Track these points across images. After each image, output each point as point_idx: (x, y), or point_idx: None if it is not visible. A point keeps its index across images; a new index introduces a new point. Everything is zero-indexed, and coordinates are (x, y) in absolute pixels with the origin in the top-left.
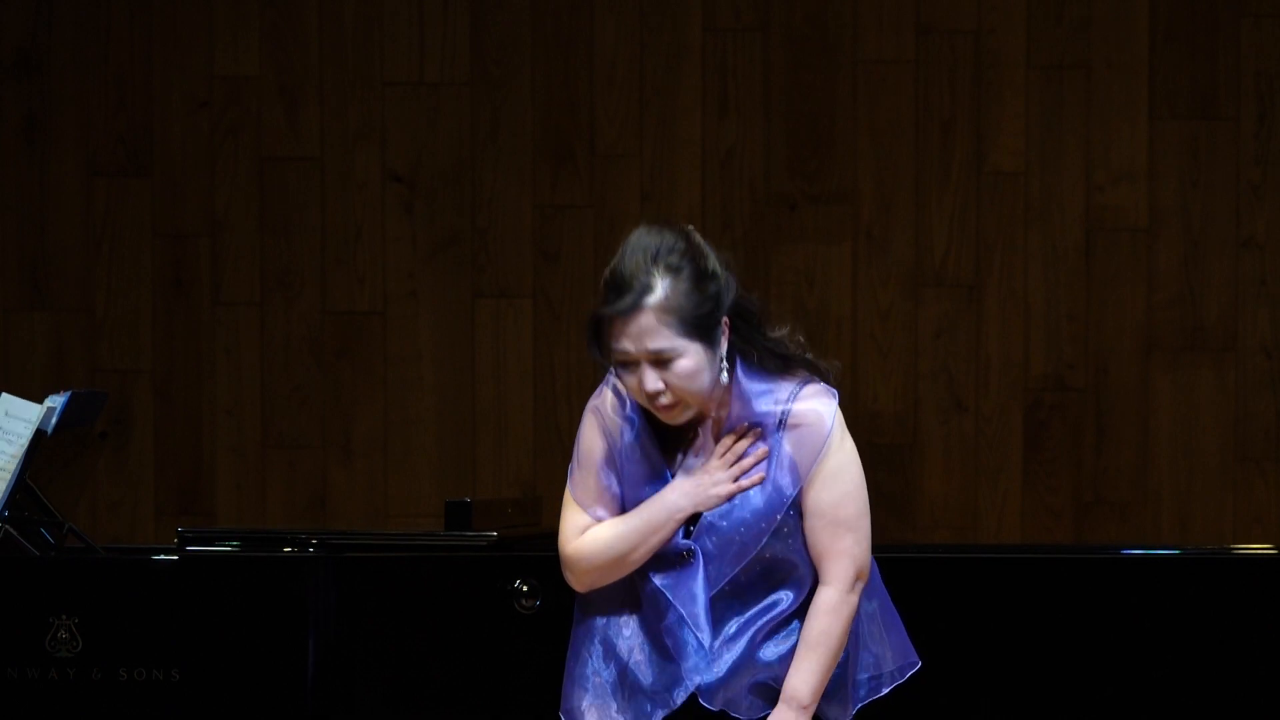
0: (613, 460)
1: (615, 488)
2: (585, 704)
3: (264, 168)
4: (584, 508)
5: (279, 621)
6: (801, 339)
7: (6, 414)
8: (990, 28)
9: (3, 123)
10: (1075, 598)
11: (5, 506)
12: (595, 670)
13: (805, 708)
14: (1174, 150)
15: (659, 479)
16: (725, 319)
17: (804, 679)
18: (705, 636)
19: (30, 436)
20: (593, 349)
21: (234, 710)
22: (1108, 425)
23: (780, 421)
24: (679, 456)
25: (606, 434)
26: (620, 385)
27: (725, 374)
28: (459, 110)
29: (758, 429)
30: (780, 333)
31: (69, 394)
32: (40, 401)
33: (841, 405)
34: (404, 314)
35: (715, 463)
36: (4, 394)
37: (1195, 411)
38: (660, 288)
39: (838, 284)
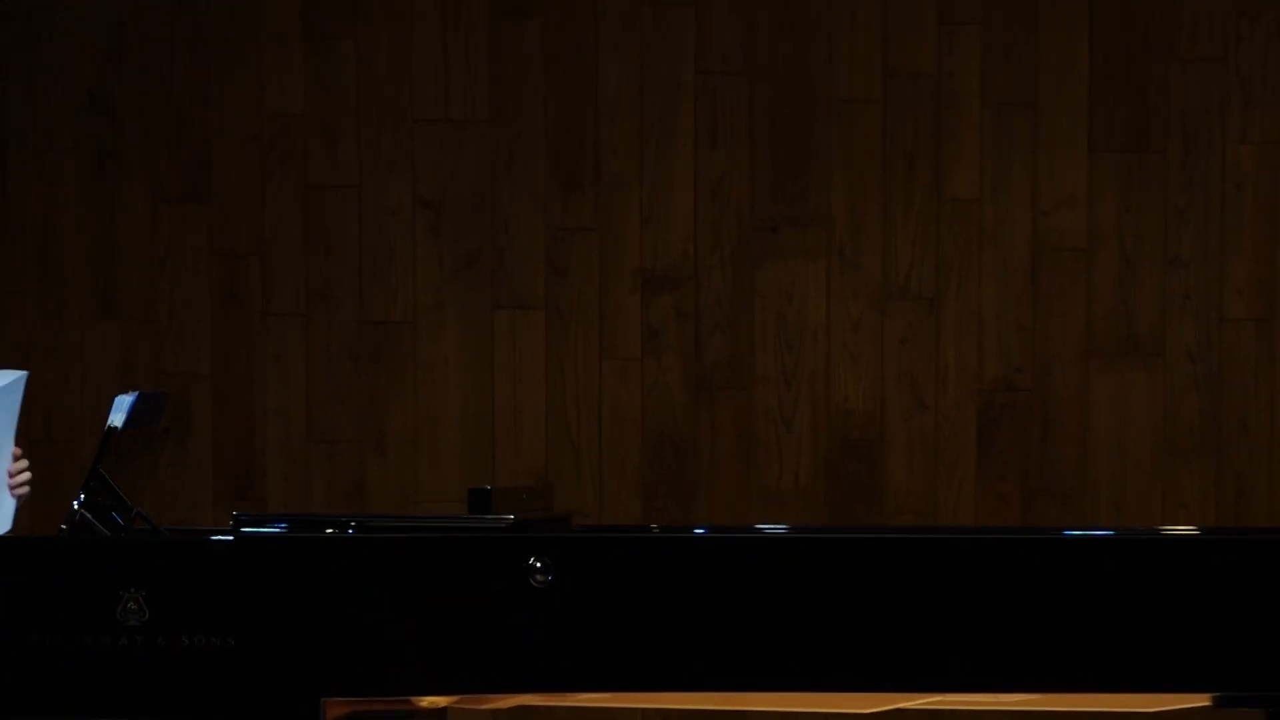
0: None
1: None
2: None
3: (307, 194)
4: None
5: (322, 593)
6: None
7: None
8: (948, 71)
9: (78, 155)
10: (1023, 573)
11: (80, 493)
12: None
13: None
14: (1110, 179)
15: None
16: None
17: None
18: None
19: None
20: None
21: (283, 673)
22: (1051, 423)
23: None
24: None
25: None
26: None
27: None
28: (480, 143)
29: None
30: None
31: (136, 394)
32: (110, 404)
33: (817, 404)
34: (431, 324)
35: None
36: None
37: (1128, 411)
38: None
39: (814, 298)
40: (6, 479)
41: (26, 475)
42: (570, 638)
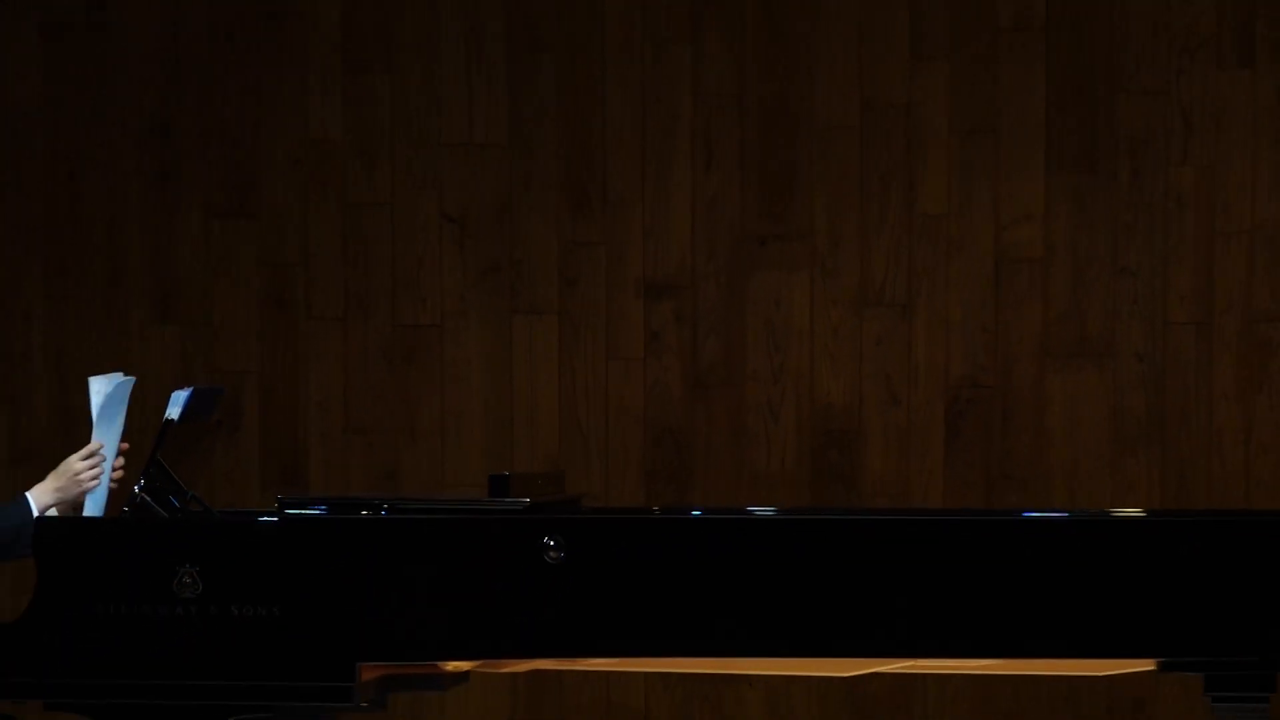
0: None
1: None
2: None
3: (345, 211)
4: None
5: (357, 568)
6: None
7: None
8: (919, 101)
9: (142, 175)
10: (986, 551)
11: (141, 479)
12: None
13: None
14: (1065, 197)
15: None
16: None
17: None
18: None
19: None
20: None
21: (322, 639)
22: (1011, 416)
23: None
24: None
25: None
26: None
27: None
28: (499, 166)
29: None
30: None
31: (191, 390)
32: (168, 399)
33: (801, 400)
34: (456, 328)
35: None
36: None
37: (1081, 405)
38: None
39: (799, 305)
40: (111, 471)
41: (121, 474)
42: (580, 609)
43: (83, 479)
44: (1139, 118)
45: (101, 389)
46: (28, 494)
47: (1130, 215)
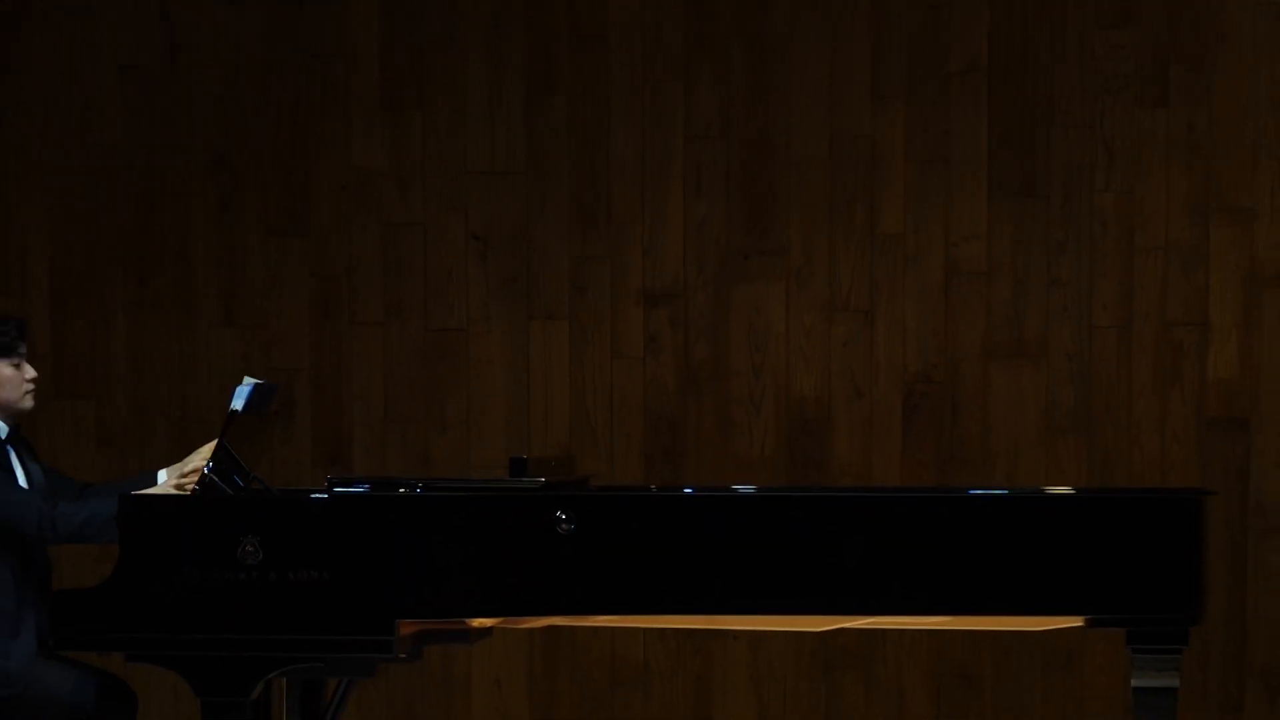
0: None
1: None
2: None
3: (385, 230)
4: None
5: (396, 537)
6: None
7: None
8: (880, 135)
9: (207, 199)
10: (937, 523)
11: (210, 462)
12: None
13: None
14: (1005, 219)
15: None
16: None
17: None
18: None
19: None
20: None
21: (366, 600)
22: (959, 407)
23: None
24: None
25: None
26: None
27: None
28: (518, 190)
29: None
30: None
31: (252, 385)
32: (232, 393)
33: (779, 393)
34: (480, 331)
35: None
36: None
37: (1019, 398)
38: None
39: (776, 311)
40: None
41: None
42: (588, 574)
43: (184, 485)
44: (1068, 150)
45: (240, 392)
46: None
47: (1061, 234)
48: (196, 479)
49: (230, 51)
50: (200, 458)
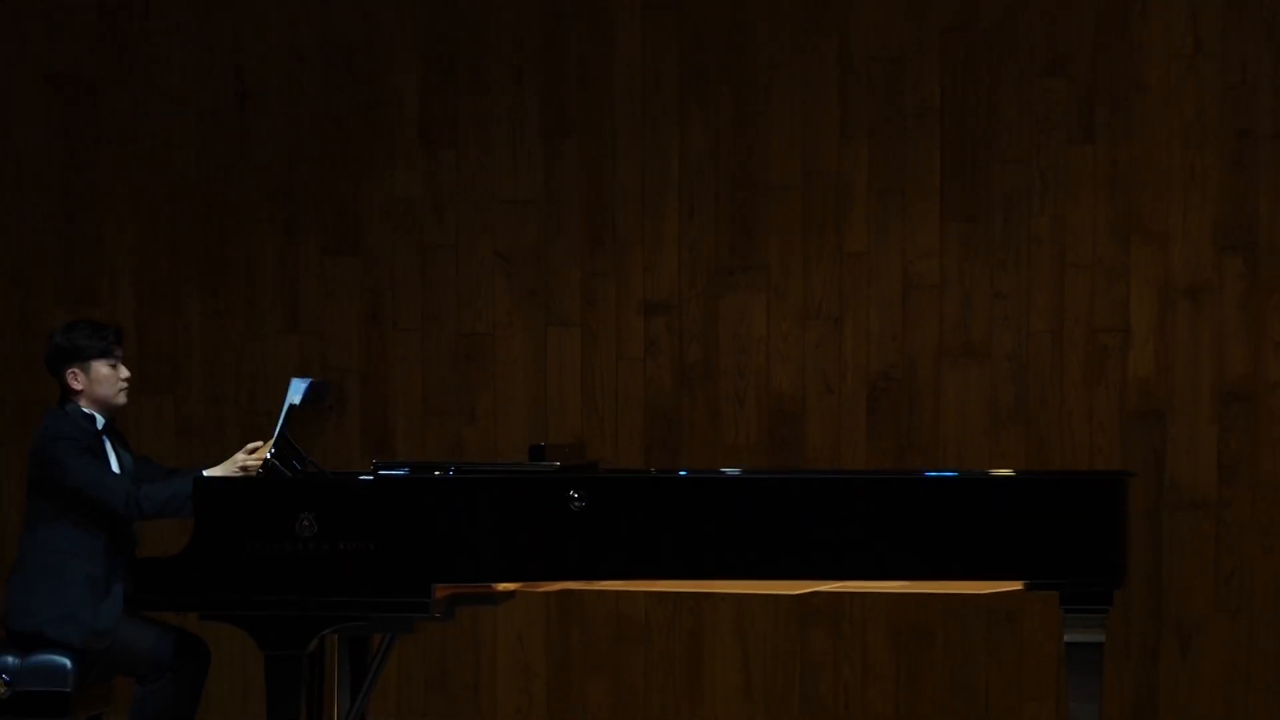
0: None
1: None
2: None
3: (424, 252)
4: None
5: (432, 512)
6: None
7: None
8: (846, 169)
9: (271, 224)
10: (897, 500)
11: (272, 448)
12: None
13: None
14: (955, 240)
15: None
16: None
17: None
18: None
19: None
20: None
21: (407, 566)
22: (916, 402)
23: None
24: None
25: None
26: None
27: None
28: (537, 215)
29: None
30: None
31: (309, 381)
32: (290, 388)
33: (760, 390)
34: (505, 337)
35: None
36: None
37: (967, 393)
38: None
39: (758, 319)
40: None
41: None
42: (596, 544)
43: (247, 469)
44: (1008, 181)
45: (298, 388)
46: (207, 473)
47: (1002, 253)
48: (260, 463)
49: (292, 98)
50: (244, 454)
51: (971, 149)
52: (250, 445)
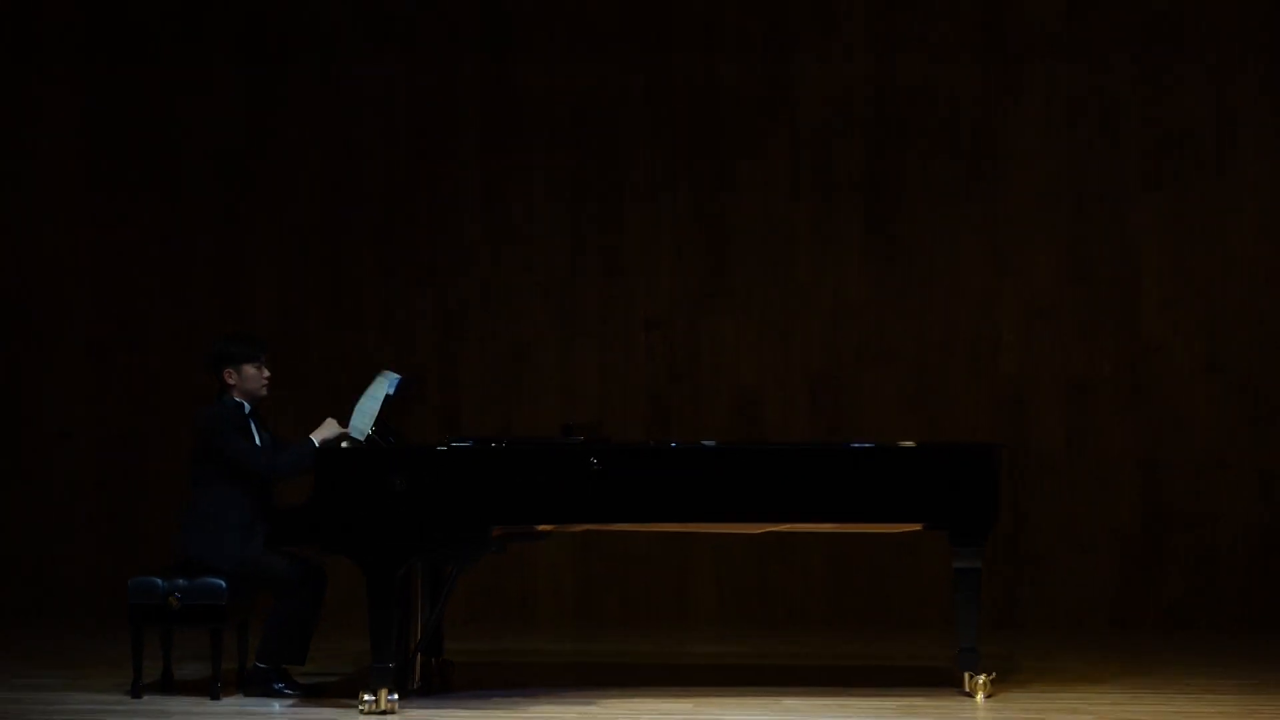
0: None
1: None
2: None
3: (481, 280)
4: None
5: (489, 472)
6: None
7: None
8: (796, 221)
9: (371, 261)
10: (829, 464)
11: (373, 426)
12: None
13: None
14: (877, 278)
15: None
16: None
17: None
18: None
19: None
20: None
21: (471, 512)
22: (844, 393)
23: None
24: None
25: None
26: None
27: None
28: (566, 254)
29: None
30: None
31: (400, 377)
32: (384, 381)
33: (732, 387)
34: (543, 344)
35: None
36: (387, 372)
37: (887, 386)
38: None
39: (732, 334)
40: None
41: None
42: (609, 497)
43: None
44: (915, 234)
45: (384, 383)
46: (311, 436)
47: (912, 287)
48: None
49: (387, 161)
50: (332, 420)
51: (889, 209)
52: (330, 419)
